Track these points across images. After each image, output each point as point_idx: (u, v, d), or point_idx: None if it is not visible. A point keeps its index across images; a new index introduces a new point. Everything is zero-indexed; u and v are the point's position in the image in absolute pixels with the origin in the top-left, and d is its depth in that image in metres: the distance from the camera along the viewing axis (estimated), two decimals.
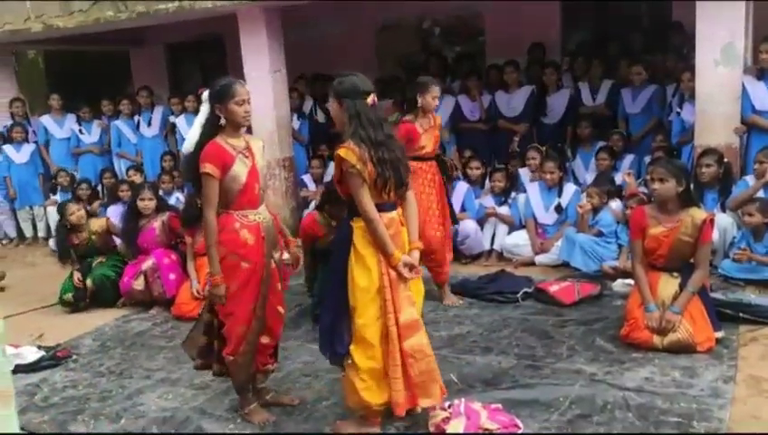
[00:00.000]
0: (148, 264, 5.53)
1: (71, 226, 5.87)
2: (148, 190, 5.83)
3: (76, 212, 5.87)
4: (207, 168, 3.25)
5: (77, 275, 5.74)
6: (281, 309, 3.55)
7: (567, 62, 7.99)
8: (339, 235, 3.24)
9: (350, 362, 3.10)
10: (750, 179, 5.44)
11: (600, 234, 5.65)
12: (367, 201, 2.99)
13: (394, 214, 3.14)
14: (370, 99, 3.07)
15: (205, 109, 3.43)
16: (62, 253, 5.97)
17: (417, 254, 3.16)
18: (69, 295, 5.70)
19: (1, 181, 8.65)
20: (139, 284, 5.52)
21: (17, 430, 1.18)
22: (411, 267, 3.05)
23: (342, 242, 3.13)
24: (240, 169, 3.33)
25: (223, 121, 3.34)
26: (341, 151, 3.00)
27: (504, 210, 6.41)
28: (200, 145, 3.35)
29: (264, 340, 3.50)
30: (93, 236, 5.93)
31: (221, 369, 3.59)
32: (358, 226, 3.08)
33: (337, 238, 3.26)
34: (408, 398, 3.10)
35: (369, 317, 3.05)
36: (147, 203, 5.73)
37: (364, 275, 3.04)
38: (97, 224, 6.02)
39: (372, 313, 3.05)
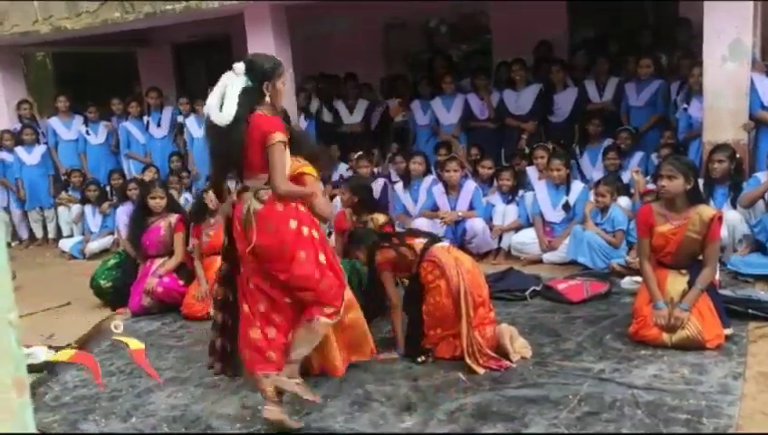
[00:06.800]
0: (149, 286, 5.38)
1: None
2: (159, 188, 5.66)
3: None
4: (281, 136, 3.08)
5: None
6: None
7: (579, 57, 7.92)
8: None
9: None
10: (762, 176, 5.38)
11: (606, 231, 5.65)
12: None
13: None
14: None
15: (240, 81, 3.15)
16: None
17: None
18: (107, 283, 5.65)
19: (12, 183, 8.68)
20: (147, 301, 5.40)
21: (32, 419, 1.20)
22: None
23: None
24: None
25: (267, 99, 3.20)
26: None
27: (511, 209, 6.41)
28: (239, 118, 3.11)
29: None
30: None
31: (223, 367, 3.65)
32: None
33: None
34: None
35: None
36: (158, 201, 5.58)
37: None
38: None
39: None
